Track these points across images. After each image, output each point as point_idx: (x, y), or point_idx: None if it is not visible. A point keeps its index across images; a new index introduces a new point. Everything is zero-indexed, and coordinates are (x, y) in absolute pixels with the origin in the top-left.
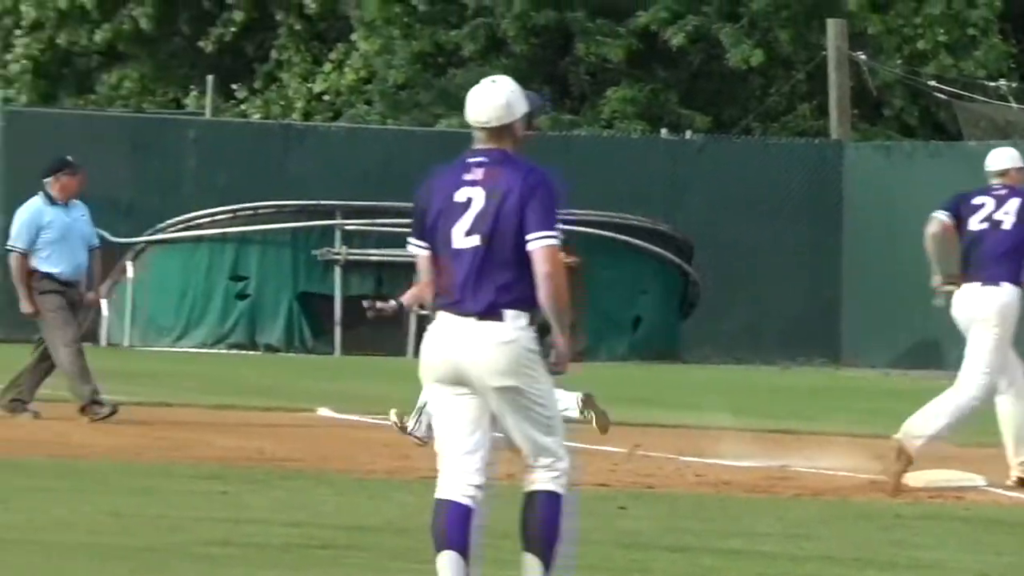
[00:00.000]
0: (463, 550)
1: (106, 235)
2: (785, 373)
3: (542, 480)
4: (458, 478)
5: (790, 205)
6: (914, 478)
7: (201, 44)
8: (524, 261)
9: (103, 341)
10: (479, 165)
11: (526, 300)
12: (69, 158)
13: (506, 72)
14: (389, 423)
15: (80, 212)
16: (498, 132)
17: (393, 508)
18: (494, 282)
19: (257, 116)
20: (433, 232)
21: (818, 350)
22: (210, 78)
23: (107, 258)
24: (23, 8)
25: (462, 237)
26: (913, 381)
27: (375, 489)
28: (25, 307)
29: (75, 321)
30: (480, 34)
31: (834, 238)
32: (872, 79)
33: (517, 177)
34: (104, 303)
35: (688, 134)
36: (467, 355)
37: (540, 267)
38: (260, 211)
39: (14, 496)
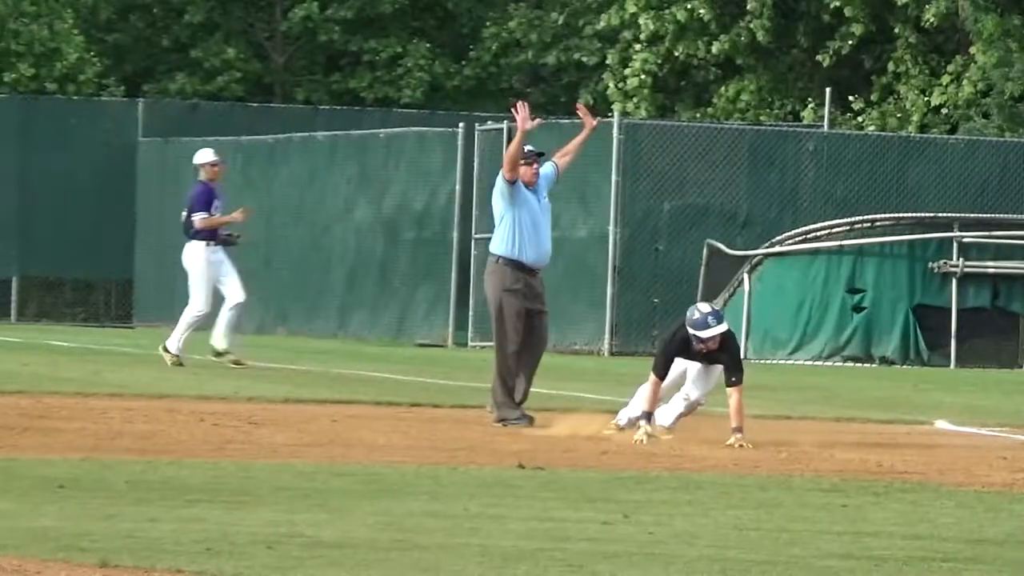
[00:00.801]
0: None
1: (723, 248)
2: None
3: None
4: None
5: None
6: None
7: (819, 57)
8: None
9: None
10: None
11: None
12: None
13: None
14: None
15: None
16: None
17: (1013, 521)
18: None
19: (872, 128)
20: None
21: None
22: (828, 90)
23: (724, 270)
24: (641, 21)
25: None
26: None
27: (993, 502)
28: None
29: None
30: None
31: None
32: None
33: None
34: None
35: None
36: None
37: None
38: (877, 223)
39: (634, 509)
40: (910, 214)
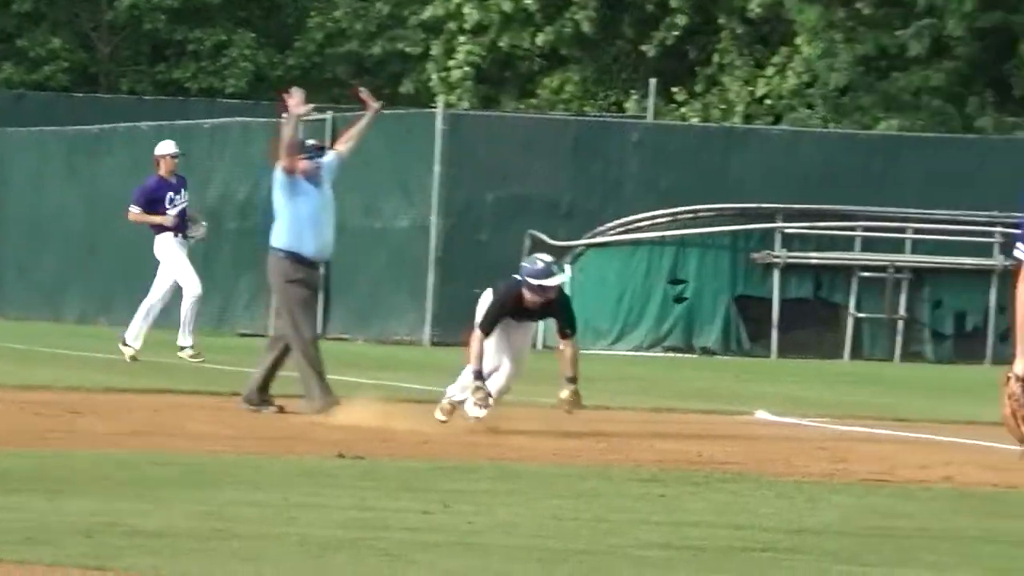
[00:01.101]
0: None
1: (545, 238)
2: None
3: None
4: None
5: None
6: None
7: (644, 48)
8: None
9: (539, 344)
10: None
11: None
12: None
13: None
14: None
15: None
16: None
17: (832, 511)
18: None
19: (696, 119)
20: None
21: None
22: (652, 81)
23: None
24: (466, 11)
25: None
26: None
27: (813, 492)
28: None
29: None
30: (926, 34)
31: None
32: None
33: None
34: None
35: None
36: None
37: None
38: (700, 214)
39: (454, 499)
40: (733, 205)
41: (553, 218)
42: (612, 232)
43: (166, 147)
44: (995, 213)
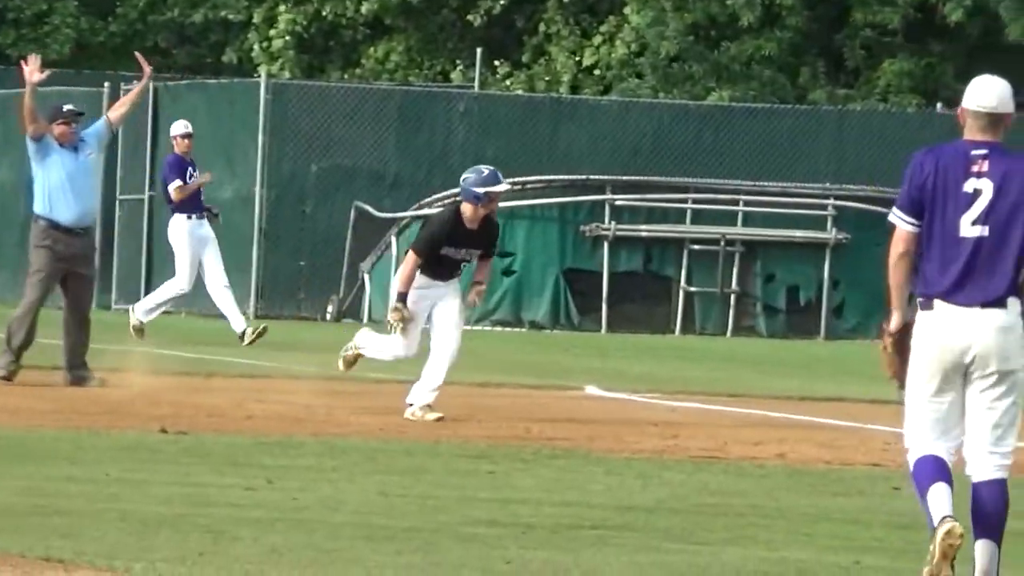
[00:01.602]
0: (949, 483)
1: (371, 210)
2: None
3: (994, 467)
4: (932, 452)
5: None
6: None
7: (470, 17)
8: (1020, 256)
9: (365, 317)
10: (983, 157)
11: (1018, 289)
12: None
13: (781, 45)
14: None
15: None
16: (996, 120)
17: (663, 488)
18: (997, 271)
19: (520, 90)
20: (932, 217)
21: None
22: (479, 51)
23: (372, 233)
24: None
25: (968, 226)
26: None
27: (643, 468)
28: None
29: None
30: (757, 3)
31: None
32: None
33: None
34: (367, 278)
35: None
36: (975, 341)
37: None
38: (528, 186)
39: (278, 475)
40: (562, 176)
41: (379, 189)
42: (439, 203)
43: (177, 128)
44: (828, 185)
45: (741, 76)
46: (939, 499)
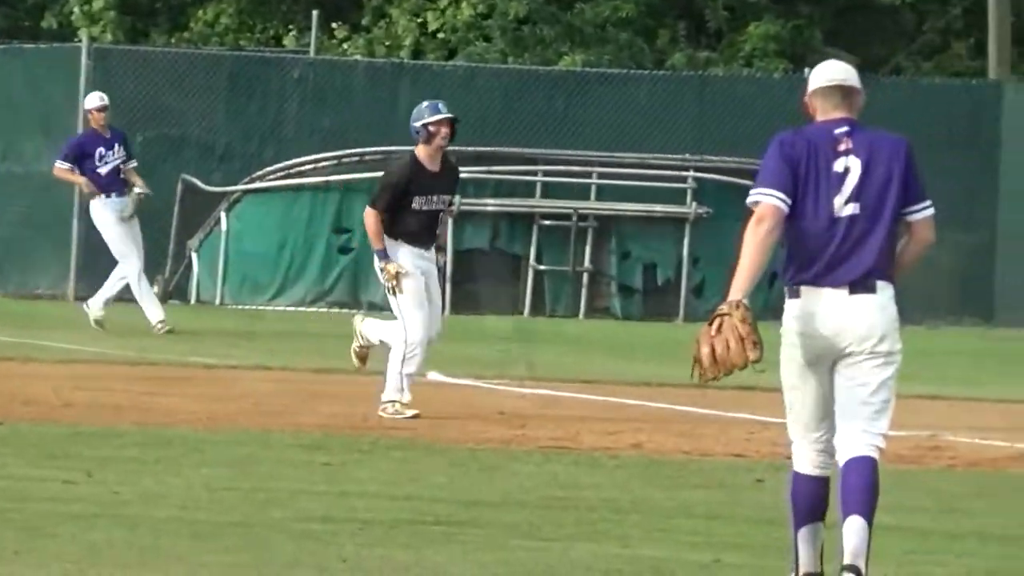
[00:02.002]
0: (822, 518)
1: (199, 183)
2: (933, 334)
3: (866, 445)
4: (814, 455)
5: (943, 151)
6: None
7: None
8: (893, 231)
9: (193, 298)
10: (847, 135)
11: (890, 270)
12: None
13: (639, 7)
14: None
15: None
16: (848, 93)
17: (510, 480)
18: (867, 248)
19: (358, 56)
20: (804, 200)
21: (969, 308)
22: (315, 13)
23: (200, 208)
24: None
25: (841, 206)
26: None
27: (489, 460)
28: None
29: None
30: None
31: (990, 187)
32: None
33: (889, 146)
34: (195, 256)
35: None
36: (848, 323)
37: (926, 235)
38: (367, 158)
39: (99, 467)
40: (402, 148)
41: (208, 161)
42: (272, 177)
43: (91, 100)
44: (688, 156)
45: (595, 39)
46: (809, 547)
